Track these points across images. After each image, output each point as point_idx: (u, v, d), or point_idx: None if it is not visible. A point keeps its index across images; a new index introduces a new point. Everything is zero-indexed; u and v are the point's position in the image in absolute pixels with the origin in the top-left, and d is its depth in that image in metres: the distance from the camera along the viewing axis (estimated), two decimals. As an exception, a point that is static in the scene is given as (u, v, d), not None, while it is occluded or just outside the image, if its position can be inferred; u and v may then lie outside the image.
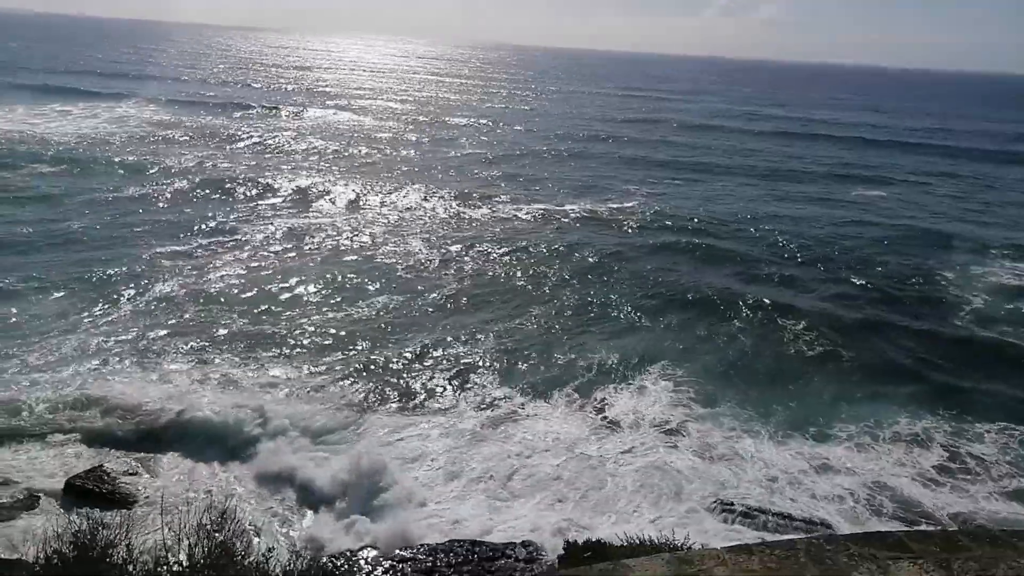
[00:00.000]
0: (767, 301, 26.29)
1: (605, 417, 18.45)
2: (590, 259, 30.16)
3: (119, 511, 13.05)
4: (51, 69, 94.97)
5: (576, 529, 13.54)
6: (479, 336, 22.59)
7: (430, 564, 11.98)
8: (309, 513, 14.06)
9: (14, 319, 21.16)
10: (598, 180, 47.10)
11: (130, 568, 5.22)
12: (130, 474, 14.92)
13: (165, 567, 5.21)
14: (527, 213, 37.49)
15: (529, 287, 27.12)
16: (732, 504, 15.05)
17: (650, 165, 54.08)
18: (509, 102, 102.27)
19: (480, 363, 20.92)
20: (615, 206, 40.37)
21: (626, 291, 26.85)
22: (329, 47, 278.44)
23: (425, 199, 39.11)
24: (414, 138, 61.08)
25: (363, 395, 18.74)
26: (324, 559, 9.13)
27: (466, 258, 29.81)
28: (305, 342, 21.33)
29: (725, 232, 35.49)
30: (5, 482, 14.24)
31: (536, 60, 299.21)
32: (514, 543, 12.77)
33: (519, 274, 28.32)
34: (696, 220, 37.16)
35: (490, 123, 74.13)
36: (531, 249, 31.10)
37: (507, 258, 30.02)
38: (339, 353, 20.84)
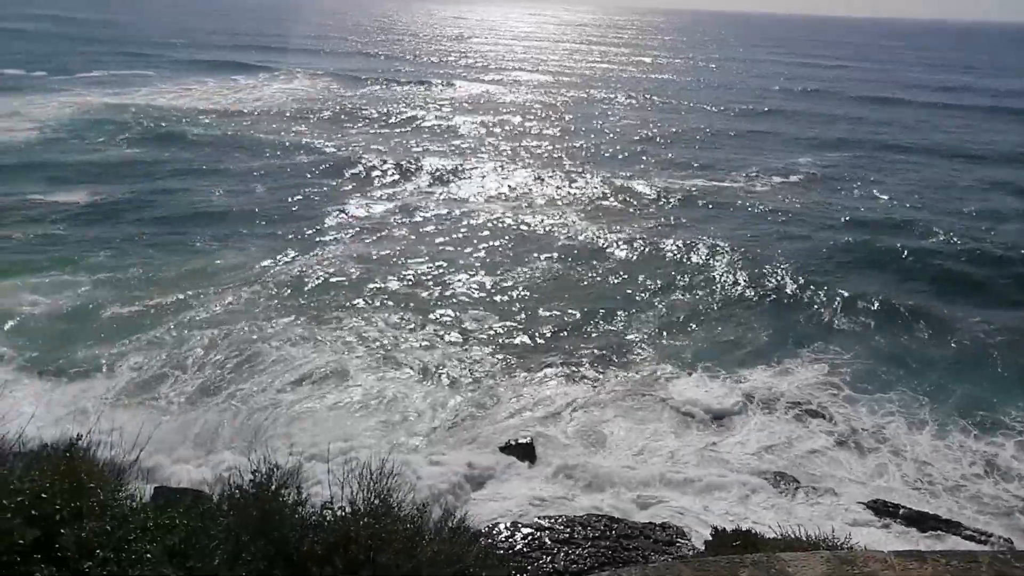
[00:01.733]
0: (945, 300, 24.30)
1: (752, 396, 17.90)
2: (748, 238, 29.10)
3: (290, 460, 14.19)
4: (226, 45, 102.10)
5: (722, 516, 13.19)
6: (634, 306, 22.97)
7: (567, 535, 12.02)
8: (461, 477, 14.55)
9: (206, 274, 23.59)
10: (764, 160, 44.46)
11: (299, 509, 5.63)
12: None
13: (329, 511, 5.59)
14: (683, 191, 36.41)
15: (685, 262, 26.82)
16: (892, 505, 14.02)
17: (823, 145, 49.74)
18: (667, 72, 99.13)
19: (632, 332, 21.21)
20: (779, 181, 38.79)
21: (789, 274, 25.61)
22: (487, 16, 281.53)
23: (581, 175, 38.90)
24: (569, 114, 60.41)
25: (512, 357, 19.38)
26: (470, 520, 9.45)
27: (624, 232, 29.60)
28: (472, 309, 22.21)
29: (903, 220, 32.36)
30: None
31: (691, 25, 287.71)
32: (653, 524, 12.57)
33: (676, 250, 27.84)
34: (870, 208, 34.61)
35: (647, 96, 72.11)
36: (688, 226, 30.49)
37: (664, 233, 29.69)
38: (498, 317, 21.71)
